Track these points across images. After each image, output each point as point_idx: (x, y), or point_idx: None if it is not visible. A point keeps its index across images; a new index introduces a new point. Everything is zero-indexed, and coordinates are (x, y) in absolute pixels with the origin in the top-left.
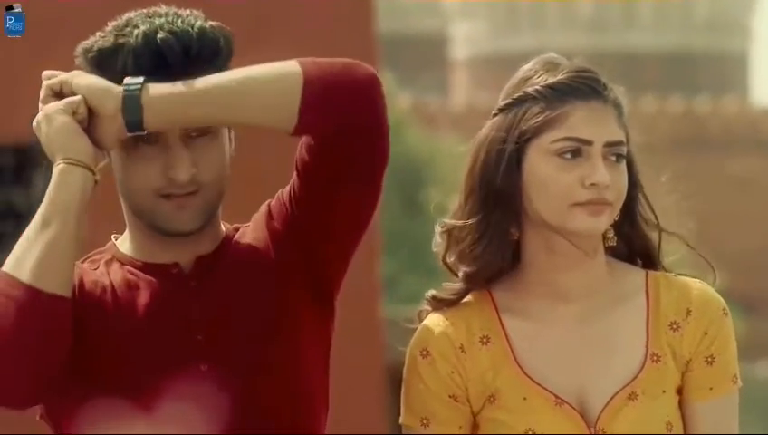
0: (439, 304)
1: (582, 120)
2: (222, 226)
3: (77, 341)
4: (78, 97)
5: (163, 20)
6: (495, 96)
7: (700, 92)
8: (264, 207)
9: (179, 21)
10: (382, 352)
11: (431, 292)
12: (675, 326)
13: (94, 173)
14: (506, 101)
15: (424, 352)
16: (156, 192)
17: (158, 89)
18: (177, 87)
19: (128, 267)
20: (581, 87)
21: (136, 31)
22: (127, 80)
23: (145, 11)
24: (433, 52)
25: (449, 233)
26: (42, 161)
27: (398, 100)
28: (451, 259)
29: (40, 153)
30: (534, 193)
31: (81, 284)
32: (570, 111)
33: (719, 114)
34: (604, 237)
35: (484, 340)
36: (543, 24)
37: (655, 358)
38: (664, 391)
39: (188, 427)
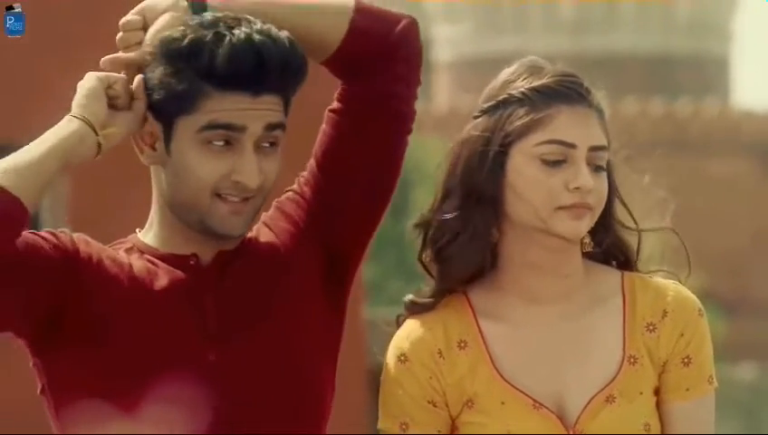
0: (417, 309)
1: (567, 124)
2: None
3: (85, 311)
4: (121, 75)
5: (258, 26)
6: (478, 99)
7: (681, 95)
8: (274, 209)
9: (273, 31)
10: (365, 356)
11: (409, 296)
12: (651, 327)
13: (97, 133)
14: (490, 103)
15: (402, 358)
16: (213, 191)
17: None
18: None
19: (147, 256)
20: (566, 91)
21: (236, 30)
22: None
23: (225, 15)
24: None
25: (425, 231)
26: None
27: None
28: (427, 258)
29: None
30: (518, 196)
31: (100, 258)
32: (554, 114)
33: (700, 116)
34: (581, 242)
35: (462, 344)
36: (526, 26)
37: (632, 360)
38: (641, 393)
39: (185, 414)
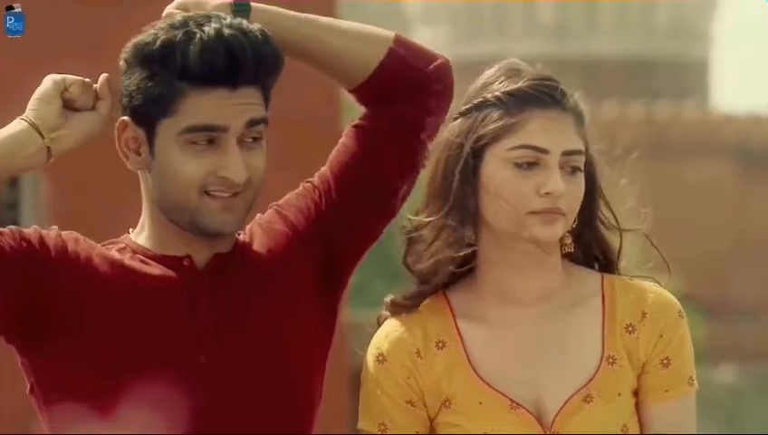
0: (397, 309)
1: (540, 129)
2: None
3: (69, 309)
4: (79, 79)
5: (228, 21)
6: (459, 102)
7: (660, 98)
8: (272, 213)
9: (243, 24)
10: (347, 357)
11: (390, 296)
12: (630, 329)
13: (43, 137)
14: (466, 106)
15: (380, 358)
16: (200, 189)
17: (264, 8)
18: (283, 13)
19: (139, 256)
20: (541, 95)
21: (206, 27)
22: None
23: (196, 14)
24: None
25: (409, 235)
26: None
27: (361, 107)
28: (411, 261)
29: None
30: (490, 200)
31: (89, 256)
32: (528, 119)
33: (679, 120)
34: (561, 243)
35: (440, 345)
36: (506, 30)
37: (610, 360)
38: (619, 394)
39: (173, 415)
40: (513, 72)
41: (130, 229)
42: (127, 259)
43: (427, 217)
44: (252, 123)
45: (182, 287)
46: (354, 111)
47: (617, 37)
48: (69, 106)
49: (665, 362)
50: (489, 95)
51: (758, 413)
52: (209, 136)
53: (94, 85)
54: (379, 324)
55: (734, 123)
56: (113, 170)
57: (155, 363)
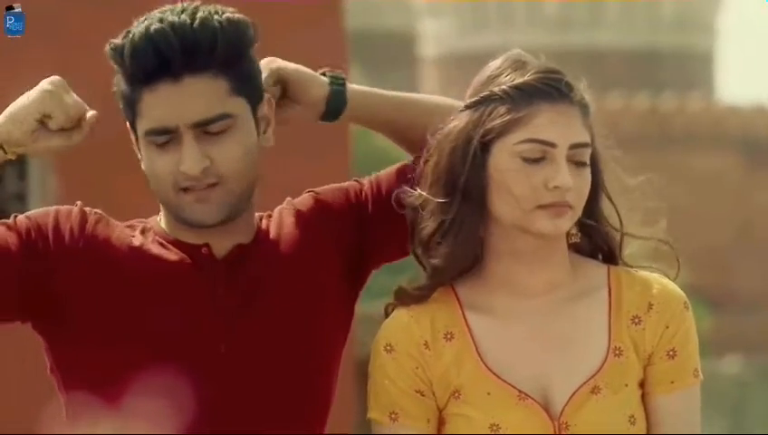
0: (406, 299)
1: (547, 122)
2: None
3: (83, 293)
4: (65, 111)
5: (169, 13)
6: (464, 93)
7: (665, 90)
8: (307, 198)
9: (184, 13)
10: (354, 347)
11: (400, 286)
12: (636, 320)
13: (5, 151)
14: (473, 99)
15: (388, 348)
16: (175, 186)
17: (355, 87)
18: (371, 90)
19: (160, 239)
20: (548, 89)
21: (141, 25)
22: (329, 72)
23: (170, 7)
24: (402, 49)
25: (412, 223)
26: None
27: None
28: (418, 251)
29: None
30: (498, 193)
31: (107, 239)
32: (535, 113)
33: (684, 112)
34: (567, 234)
35: (448, 336)
36: (510, 21)
37: (617, 352)
38: (626, 385)
39: (189, 404)
40: (518, 65)
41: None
42: (148, 242)
43: (430, 208)
44: (199, 125)
45: (200, 275)
46: None
47: (621, 28)
48: (44, 125)
49: (670, 353)
50: (496, 89)
51: (763, 404)
52: (165, 137)
53: (85, 113)
54: (387, 314)
55: (738, 115)
56: (121, 161)
57: (173, 352)
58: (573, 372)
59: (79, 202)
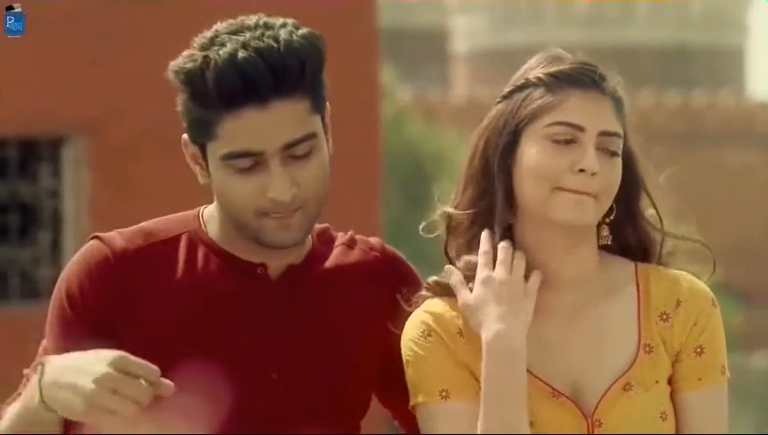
0: (440, 291)
1: (578, 107)
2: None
3: (140, 329)
4: (131, 395)
5: (248, 35)
6: (495, 89)
7: (696, 87)
8: (386, 277)
9: (265, 36)
10: None
11: (433, 278)
12: (665, 317)
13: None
14: (509, 88)
15: (426, 332)
16: (257, 211)
17: None
18: None
19: (212, 255)
20: (581, 77)
21: (222, 50)
22: None
23: (232, 22)
24: (434, 45)
25: (448, 223)
26: (45, 154)
27: (399, 93)
28: (452, 252)
29: (44, 146)
30: (523, 176)
31: (142, 268)
32: (566, 98)
33: (715, 108)
34: (598, 235)
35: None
36: (542, 18)
37: (647, 349)
38: (657, 382)
39: (240, 428)
40: (555, 58)
41: (203, 208)
42: (194, 258)
43: (465, 205)
44: (288, 146)
45: (255, 298)
46: (391, 96)
47: (653, 25)
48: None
49: (698, 350)
50: (531, 76)
51: None
52: (250, 160)
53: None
54: (418, 305)
55: None
56: (154, 161)
57: (229, 380)
58: (605, 369)
59: (116, 232)
